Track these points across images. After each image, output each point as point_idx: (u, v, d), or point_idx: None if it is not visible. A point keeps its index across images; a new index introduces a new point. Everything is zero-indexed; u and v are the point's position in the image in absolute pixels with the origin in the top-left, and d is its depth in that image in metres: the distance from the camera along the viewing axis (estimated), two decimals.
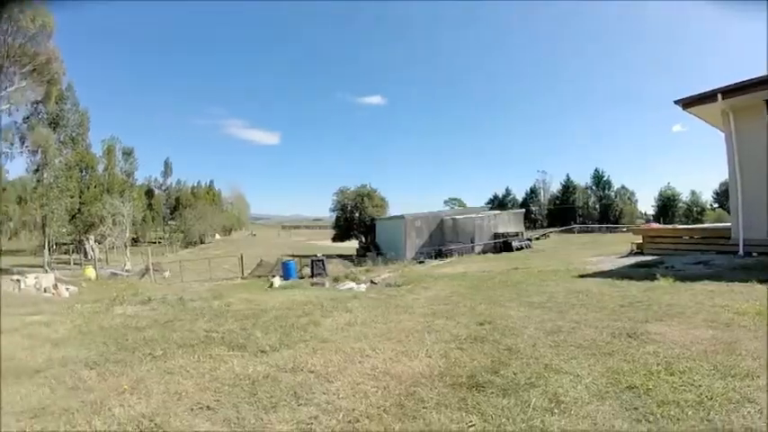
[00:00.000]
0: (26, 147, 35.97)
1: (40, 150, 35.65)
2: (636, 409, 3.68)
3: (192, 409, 4.31)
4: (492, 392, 4.21)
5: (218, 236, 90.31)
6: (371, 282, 19.54)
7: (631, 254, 21.12)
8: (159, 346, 6.69)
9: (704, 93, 14.27)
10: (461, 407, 3.96)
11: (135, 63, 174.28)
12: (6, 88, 34.31)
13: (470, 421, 3.66)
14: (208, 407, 4.36)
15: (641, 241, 21.87)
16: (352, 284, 18.22)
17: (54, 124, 39.52)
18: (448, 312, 8.67)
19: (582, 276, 13.68)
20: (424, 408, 3.99)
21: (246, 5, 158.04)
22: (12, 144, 35.55)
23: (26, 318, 9.22)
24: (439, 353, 5.79)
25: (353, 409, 4.05)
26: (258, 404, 4.36)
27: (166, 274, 31.85)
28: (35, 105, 37.14)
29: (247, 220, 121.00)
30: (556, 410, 3.74)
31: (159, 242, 55.06)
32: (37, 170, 41.00)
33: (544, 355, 5.31)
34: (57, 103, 39.54)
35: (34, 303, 12.88)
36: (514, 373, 4.72)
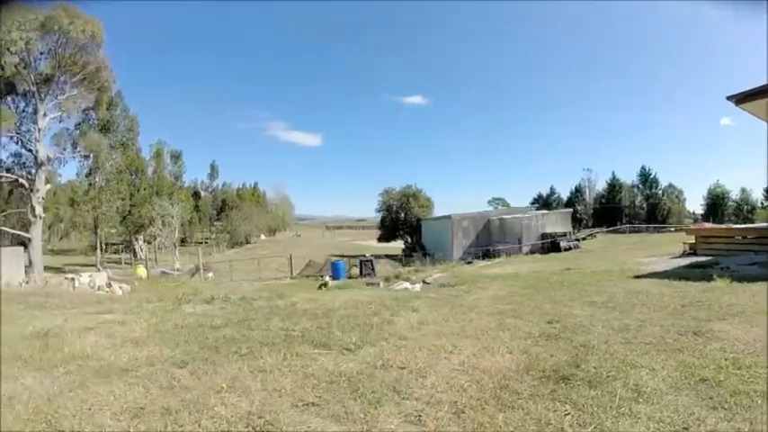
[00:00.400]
0: (78, 151, 36.91)
1: (91, 155, 36.59)
2: (711, 398, 4.03)
3: (296, 406, 4.35)
4: (578, 384, 4.54)
5: (263, 236, 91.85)
6: (424, 282, 19.58)
7: (684, 254, 21.27)
8: (242, 344, 6.89)
9: (759, 87, 13.30)
10: (554, 397, 4.27)
11: (178, 68, 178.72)
12: (57, 96, 35.39)
13: (565, 410, 3.96)
14: (312, 403, 4.41)
15: (694, 241, 21.94)
16: (407, 284, 18.25)
17: (105, 129, 40.90)
18: (514, 311, 8.93)
19: (638, 277, 13.95)
20: (519, 399, 4.29)
21: (286, 9, 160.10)
22: (64, 149, 36.49)
23: (98, 317, 9.43)
24: (518, 349, 6.09)
25: (455, 402, 4.30)
26: (362, 399, 4.45)
27: (209, 274, 32.26)
28: (86, 112, 38.21)
29: (291, 220, 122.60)
30: (640, 400, 4.08)
31: (206, 242, 56.29)
32: (89, 174, 42.37)
33: (618, 351, 5.65)
34: (107, 109, 40.78)
35: (100, 302, 13.17)
36: (595, 367, 5.04)
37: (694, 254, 20.44)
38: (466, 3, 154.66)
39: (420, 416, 4.00)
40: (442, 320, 8.32)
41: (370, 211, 53.35)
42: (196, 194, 72.89)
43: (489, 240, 37.00)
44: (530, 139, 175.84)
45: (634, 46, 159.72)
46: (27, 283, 21.49)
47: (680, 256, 20.70)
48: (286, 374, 5.31)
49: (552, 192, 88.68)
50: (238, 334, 7.53)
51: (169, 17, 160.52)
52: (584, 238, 43.33)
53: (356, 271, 29.17)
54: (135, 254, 50.49)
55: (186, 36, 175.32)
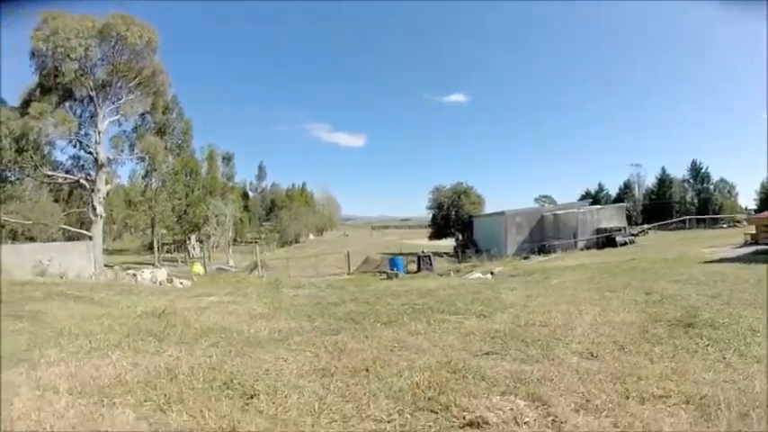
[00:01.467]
0: (135, 153, 38.19)
1: (148, 157, 37.82)
2: None
3: (477, 355, 4.98)
4: (703, 328, 5.67)
5: (311, 236, 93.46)
6: (491, 273, 19.67)
7: (746, 244, 21.95)
8: (375, 316, 7.31)
9: None
10: (689, 336, 5.42)
11: (217, 72, 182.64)
12: (114, 102, 36.66)
13: (704, 342, 5.11)
14: (491, 352, 5.06)
15: (755, 232, 22.67)
16: (479, 274, 18.48)
17: (161, 133, 42.07)
18: (607, 287, 9.71)
19: (708, 262, 14.87)
20: (662, 338, 5.42)
21: (324, 9, 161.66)
22: (122, 151, 37.87)
23: (200, 299, 9.93)
24: (635, 309, 7.05)
25: (614, 341, 5.28)
26: (533, 346, 5.17)
27: (264, 272, 32.72)
28: (143, 116, 39.49)
29: (338, 220, 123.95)
30: (758, 335, 5.26)
31: (255, 242, 57.40)
32: (145, 175, 43.86)
33: (722, 309, 6.73)
34: (163, 113, 42.02)
35: (184, 290, 13.74)
36: (710, 318, 6.11)
37: (756, 243, 21.09)
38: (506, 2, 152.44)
39: (592, 353, 4.91)
40: (547, 295, 8.87)
41: (414, 210, 53.89)
42: (245, 195, 74.53)
43: (543, 236, 36.88)
44: (576, 135, 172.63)
45: (675, 42, 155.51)
46: (97, 276, 22.56)
47: (742, 246, 21.38)
48: (445, 334, 5.76)
49: (600, 188, 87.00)
50: (362, 308, 8.00)
51: (208, 21, 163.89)
52: (635, 235, 42.61)
53: (413, 267, 29.49)
54: (188, 253, 51.94)
55: (228, 41, 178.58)
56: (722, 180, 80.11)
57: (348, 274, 30.33)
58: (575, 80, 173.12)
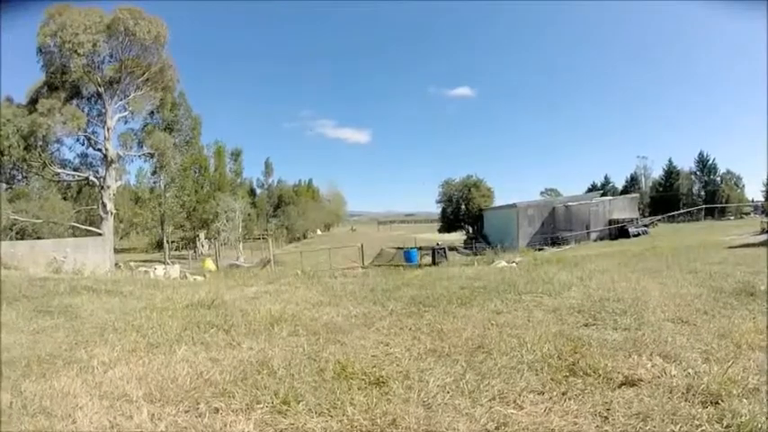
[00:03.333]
0: (144, 150, 38.34)
1: (157, 153, 37.92)
2: None
3: (577, 328, 5.31)
4: (765, 297, 6.11)
5: (319, 231, 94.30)
6: (515, 262, 19.80)
7: (763, 231, 22.82)
8: (445, 299, 7.36)
9: None
10: (757, 303, 5.90)
11: (227, 70, 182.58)
12: (122, 98, 36.73)
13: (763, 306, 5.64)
14: (586, 324, 5.42)
15: None
16: (504, 263, 18.64)
17: (169, 129, 42.19)
18: (649, 270, 9.92)
19: (732, 248, 15.30)
20: (734, 304, 5.91)
21: (329, 6, 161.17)
22: (131, 148, 37.99)
23: (241, 290, 9.81)
24: (693, 284, 7.48)
25: (696, 309, 5.75)
26: (621, 316, 5.53)
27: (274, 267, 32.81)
28: (151, 113, 39.55)
29: (345, 216, 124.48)
30: None
31: (265, 238, 57.50)
32: (154, 172, 43.96)
33: None
34: (171, 110, 42.08)
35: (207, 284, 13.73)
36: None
37: None
38: None
39: (681, 318, 5.37)
40: (593, 277, 9.05)
41: (420, 205, 53.69)
42: (252, 191, 74.80)
43: (555, 228, 37.19)
44: (582, 128, 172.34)
45: (679, 36, 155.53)
46: (113, 272, 22.68)
47: (760, 234, 22.15)
48: (530, 311, 5.96)
49: (607, 181, 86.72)
50: (424, 292, 8.00)
51: (214, 19, 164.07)
52: (647, 225, 42.83)
53: (428, 259, 29.62)
54: (196, 250, 52.16)
55: (234, 39, 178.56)
56: (729, 172, 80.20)
57: (362, 267, 30.39)
58: (582, 74, 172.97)
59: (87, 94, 36.81)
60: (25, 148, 33.76)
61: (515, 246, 35.05)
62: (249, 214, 53.87)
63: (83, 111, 35.84)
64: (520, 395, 3.43)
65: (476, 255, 31.79)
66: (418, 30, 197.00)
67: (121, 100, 37.23)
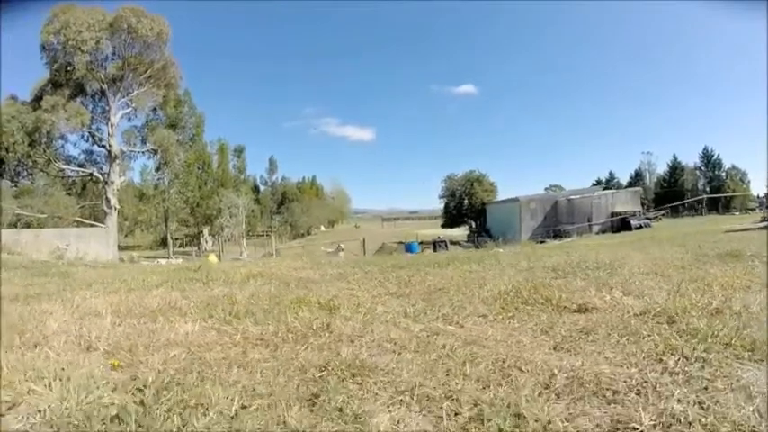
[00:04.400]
0: (147, 147, 38.51)
1: (160, 150, 38.08)
2: None
3: (547, 280, 5.36)
4: (749, 258, 6.29)
5: (322, 228, 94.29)
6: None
7: (763, 220, 23.31)
8: (426, 263, 7.30)
9: None
10: (739, 261, 6.13)
11: (230, 68, 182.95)
12: (125, 95, 36.86)
13: (755, 264, 5.66)
14: (556, 277, 5.54)
15: None
16: (501, 251, 18.60)
17: (173, 126, 42.39)
18: (642, 247, 10.01)
19: (729, 232, 15.41)
20: (714, 262, 6.12)
21: (332, 5, 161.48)
22: (134, 144, 38.17)
23: (233, 264, 10.00)
24: (679, 252, 7.80)
25: (672, 266, 5.89)
26: (598, 271, 5.68)
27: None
28: (155, 110, 39.74)
29: (349, 213, 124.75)
30: None
31: (267, 234, 57.72)
32: (158, 168, 44.14)
33: (760, 249, 7.04)
34: (175, 107, 42.38)
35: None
36: (754, 253, 6.65)
37: None
38: None
39: (656, 272, 5.48)
40: (585, 252, 8.95)
41: (423, 203, 53.74)
42: (256, 189, 75.05)
43: (557, 221, 37.05)
44: (587, 124, 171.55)
45: (680, 35, 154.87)
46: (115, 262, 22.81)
47: (761, 222, 22.55)
48: (504, 271, 6.19)
49: (611, 176, 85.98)
50: (409, 261, 8.04)
51: (217, 17, 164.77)
52: (650, 219, 42.59)
53: (429, 252, 29.61)
54: (200, 246, 52.24)
55: (237, 37, 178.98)
56: (734, 167, 79.60)
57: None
58: (583, 72, 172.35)
59: (91, 92, 36.86)
60: (30, 145, 33.93)
61: (518, 239, 35.00)
62: (253, 210, 53.98)
63: (87, 108, 36.01)
64: (464, 318, 3.62)
65: (477, 248, 31.82)
66: (420, 28, 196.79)
67: (124, 97, 37.37)
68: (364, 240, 33.97)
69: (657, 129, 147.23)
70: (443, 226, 55.20)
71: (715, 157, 78.80)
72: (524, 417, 1.96)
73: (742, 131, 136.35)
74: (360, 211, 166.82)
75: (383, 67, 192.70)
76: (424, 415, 2.07)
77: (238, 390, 2.35)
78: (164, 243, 52.11)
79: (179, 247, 55.63)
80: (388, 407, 2.16)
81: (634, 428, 1.86)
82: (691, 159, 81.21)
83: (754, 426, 1.83)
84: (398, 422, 1.99)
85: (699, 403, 2.04)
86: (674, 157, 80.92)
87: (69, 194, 41.10)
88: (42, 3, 31.69)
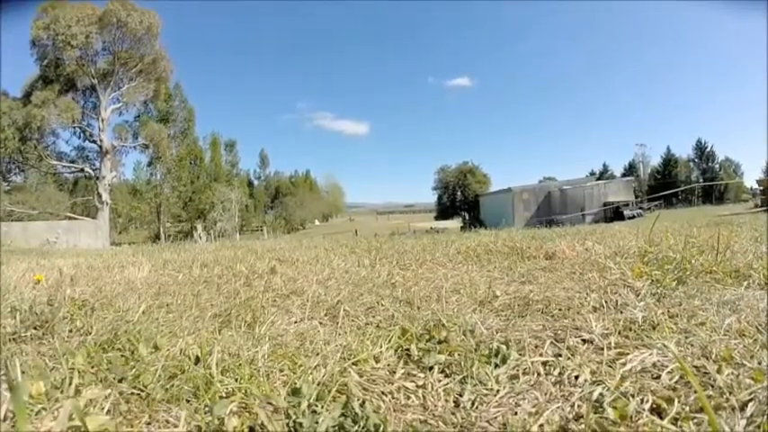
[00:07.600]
0: (139, 141, 38.33)
1: (152, 144, 37.84)
2: None
3: None
4: (737, 225, 6.23)
5: (317, 221, 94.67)
6: None
7: (755, 207, 25.62)
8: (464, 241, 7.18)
9: None
10: (728, 226, 5.86)
11: (222, 62, 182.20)
12: (116, 90, 36.59)
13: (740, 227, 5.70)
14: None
15: (764, 196, 25.53)
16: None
17: (164, 120, 42.23)
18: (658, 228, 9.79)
19: (721, 215, 15.33)
20: (701, 227, 5.98)
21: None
22: (126, 139, 37.96)
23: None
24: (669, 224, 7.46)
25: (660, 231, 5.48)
26: (567, 238, 5.24)
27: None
28: (146, 103, 39.51)
29: (343, 207, 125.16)
30: None
31: (261, 229, 57.62)
32: (150, 163, 44.03)
33: (746, 221, 7.47)
34: (165, 101, 42.05)
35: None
36: (741, 223, 6.79)
37: (762, 206, 23.75)
38: None
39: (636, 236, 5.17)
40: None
41: (418, 196, 53.69)
42: (249, 183, 75.10)
43: (550, 211, 36.96)
44: (581, 117, 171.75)
45: (680, 31, 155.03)
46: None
47: (752, 209, 25.51)
48: (484, 237, 5.82)
49: (605, 168, 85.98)
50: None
51: (210, 11, 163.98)
52: (643, 209, 42.53)
53: None
54: (193, 241, 51.90)
55: (230, 30, 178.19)
56: (727, 159, 79.67)
57: None
58: (580, 64, 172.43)
59: (82, 87, 36.67)
60: (21, 140, 33.73)
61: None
62: (246, 205, 53.89)
63: (77, 103, 35.78)
64: (420, 265, 3.65)
65: None
66: (414, 22, 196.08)
67: (115, 92, 37.15)
68: (356, 232, 33.75)
69: (652, 121, 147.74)
70: (437, 218, 55.18)
71: (708, 148, 78.84)
72: (444, 324, 1.76)
73: (736, 123, 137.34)
74: (355, 205, 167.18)
75: (377, 60, 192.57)
76: (331, 327, 1.97)
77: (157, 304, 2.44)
78: (157, 239, 51.88)
79: (172, 242, 55.41)
80: (296, 323, 2.07)
81: (583, 340, 1.60)
82: (684, 151, 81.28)
83: (729, 323, 1.62)
84: (302, 334, 1.83)
85: (670, 315, 1.81)
86: (668, 149, 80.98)
87: (61, 190, 40.95)
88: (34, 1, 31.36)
